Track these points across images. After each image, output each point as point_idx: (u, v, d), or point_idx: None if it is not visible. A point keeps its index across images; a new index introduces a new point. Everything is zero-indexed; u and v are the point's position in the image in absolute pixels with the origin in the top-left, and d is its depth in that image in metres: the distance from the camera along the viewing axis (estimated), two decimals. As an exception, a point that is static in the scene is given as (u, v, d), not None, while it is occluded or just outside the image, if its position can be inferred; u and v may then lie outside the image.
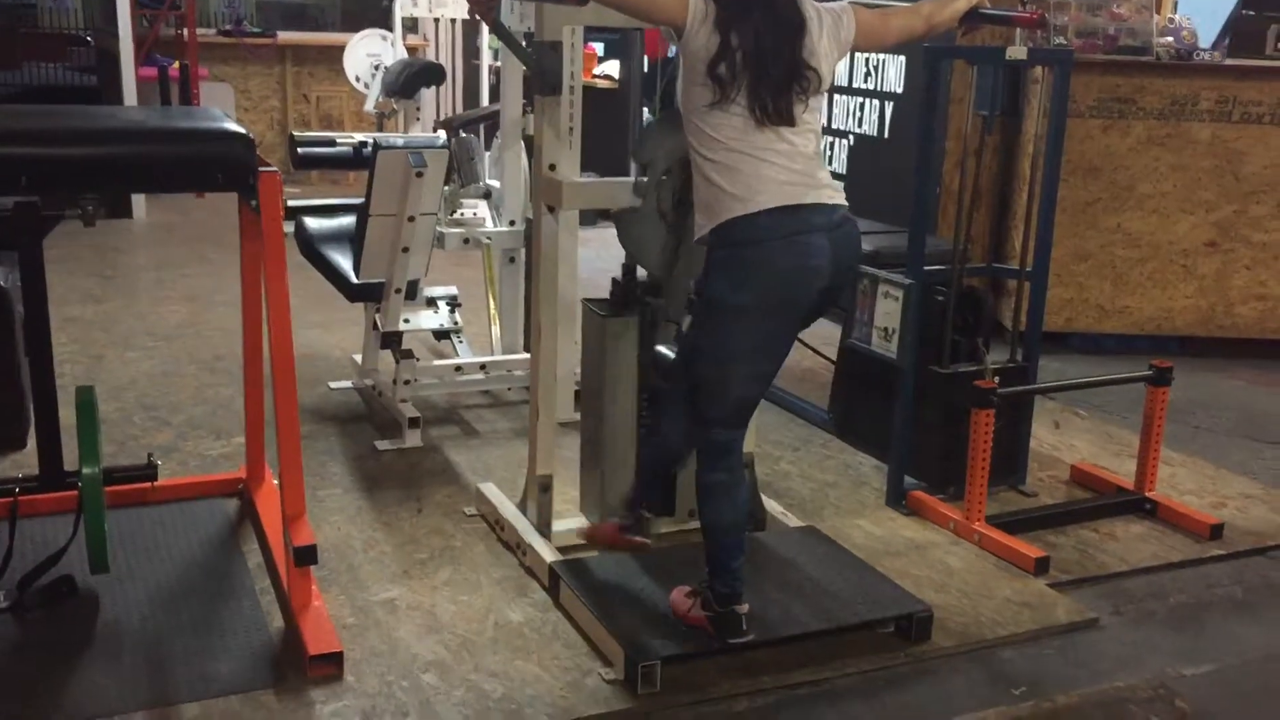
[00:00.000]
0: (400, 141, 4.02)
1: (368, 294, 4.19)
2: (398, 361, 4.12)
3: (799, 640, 2.82)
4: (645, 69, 8.43)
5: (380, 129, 8.22)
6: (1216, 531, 3.55)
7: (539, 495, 3.26)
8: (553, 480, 3.28)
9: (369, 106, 8.05)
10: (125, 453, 3.86)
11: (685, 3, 2.47)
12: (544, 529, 3.25)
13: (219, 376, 4.66)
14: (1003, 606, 3.10)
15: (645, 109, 8.47)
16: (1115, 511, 3.71)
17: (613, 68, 8.30)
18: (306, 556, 2.72)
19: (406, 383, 4.13)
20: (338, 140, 4.62)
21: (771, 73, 2.48)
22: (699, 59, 2.48)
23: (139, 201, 8.02)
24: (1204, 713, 2.70)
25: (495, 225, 4.61)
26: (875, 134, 5.18)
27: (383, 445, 4.04)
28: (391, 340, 4.17)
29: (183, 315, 5.56)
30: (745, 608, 2.71)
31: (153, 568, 3.10)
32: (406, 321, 4.23)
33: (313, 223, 4.52)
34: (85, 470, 2.72)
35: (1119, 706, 2.70)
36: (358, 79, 8.06)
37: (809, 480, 3.92)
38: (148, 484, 3.02)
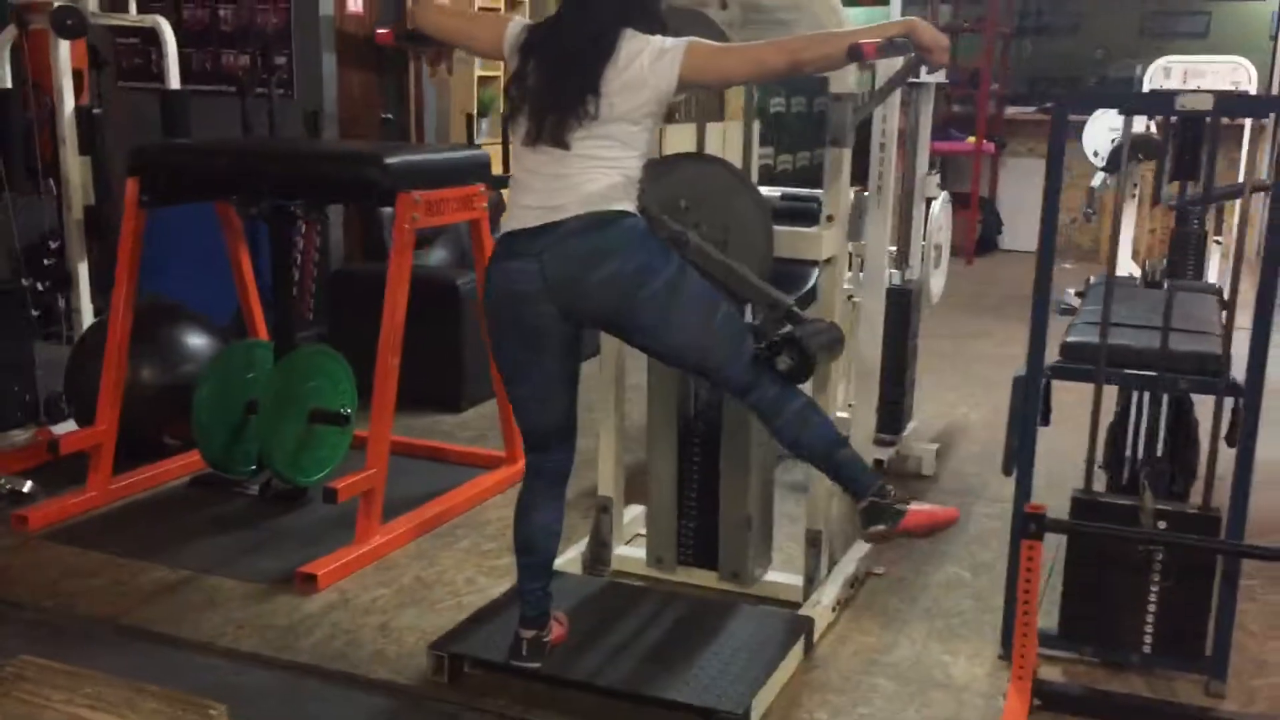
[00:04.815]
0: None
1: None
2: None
3: (602, 693, 2.72)
4: None
5: (1090, 206, 7.90)
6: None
7: (598, 515, 3.44)
8: (612, 503, 3.42)
9: (1094, 182, 7.77)
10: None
11: (501, 35, 2.64)
12: (597, 548, 3.43)
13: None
14: (886, 762, 2.52)
15: None
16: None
17: None
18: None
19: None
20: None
21: (552, 96, 2.53)
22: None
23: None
24: None
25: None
26: None
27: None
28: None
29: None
30: (530, 634, 2.73)
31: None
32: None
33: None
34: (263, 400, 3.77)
35: None
36: (1095, 154, 7.80)
37: (971, 599, 3.34)
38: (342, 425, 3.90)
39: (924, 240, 4.47)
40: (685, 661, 2.78)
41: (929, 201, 4.49)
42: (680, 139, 3.41)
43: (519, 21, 2.67)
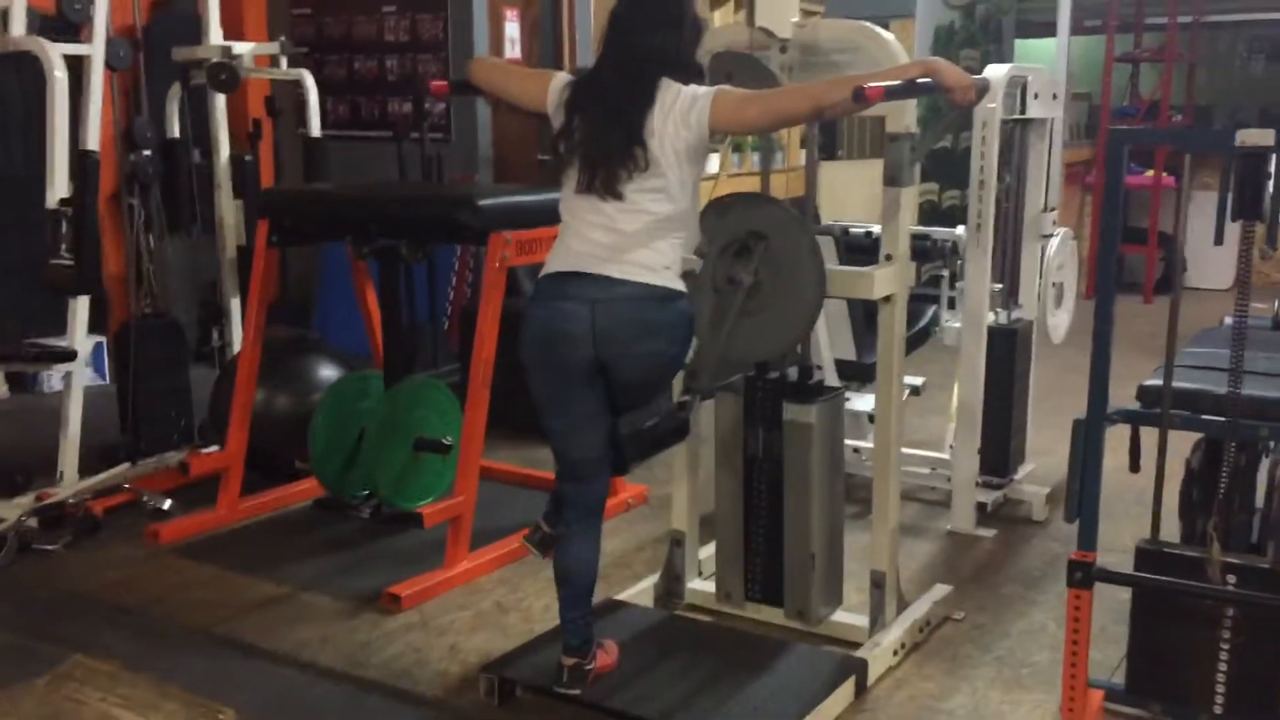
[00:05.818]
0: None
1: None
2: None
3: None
4: None
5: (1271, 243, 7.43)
6: None
7: (671, 549, 3.49)
8: (684, 537, 3.46)
9: None
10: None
11: (545, 92, 2.76)
12: (670, 582, 3.48)
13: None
14: (908, 809, 2.48)
15: None
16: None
17: None
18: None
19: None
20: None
21: (600, 148, 2.62)
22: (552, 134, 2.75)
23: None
24: None
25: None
26: None
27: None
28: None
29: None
30: (571, 661, 2.80)
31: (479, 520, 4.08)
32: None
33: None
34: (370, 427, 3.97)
35: None
36: None
37: (1050, 650, 3.22)
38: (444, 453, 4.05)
39: (1039, 279, 4.35)
40: (724, 696, 2.81)
41: (1045, 239, 4.37)
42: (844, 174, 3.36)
43: (561, 78, 2.77)
